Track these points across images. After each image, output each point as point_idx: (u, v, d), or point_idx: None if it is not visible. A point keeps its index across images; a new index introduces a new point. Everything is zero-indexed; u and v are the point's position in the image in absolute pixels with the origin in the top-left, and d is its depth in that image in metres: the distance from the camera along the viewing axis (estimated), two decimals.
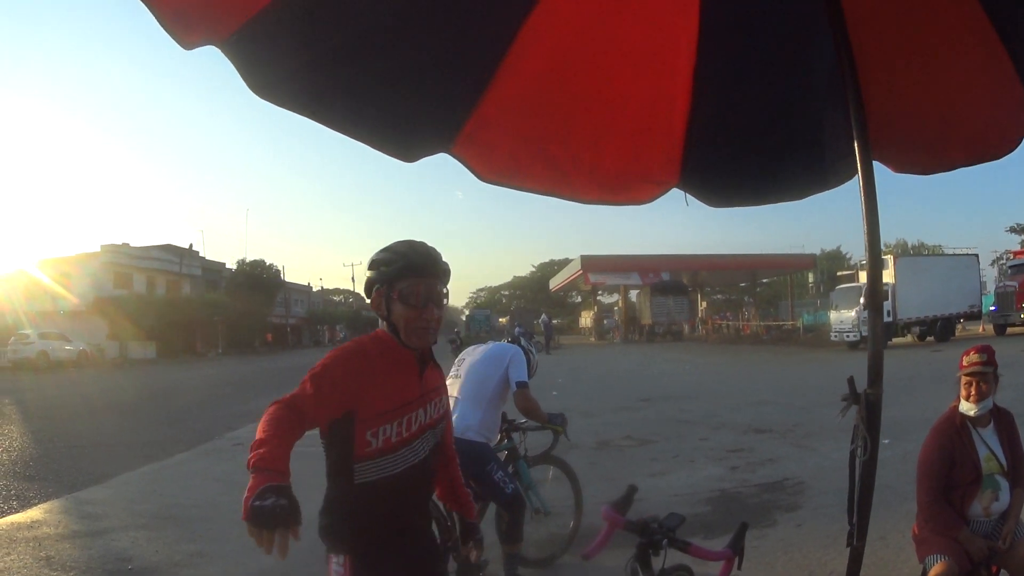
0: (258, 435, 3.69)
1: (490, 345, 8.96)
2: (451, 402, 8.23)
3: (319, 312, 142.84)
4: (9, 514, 12.88)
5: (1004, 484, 6.32)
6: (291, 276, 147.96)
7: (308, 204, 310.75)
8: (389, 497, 4.28)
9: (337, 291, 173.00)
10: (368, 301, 4.36)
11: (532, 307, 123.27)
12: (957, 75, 4.50)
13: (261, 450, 3.57)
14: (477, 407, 8.37)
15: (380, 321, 4.33)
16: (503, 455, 9.09)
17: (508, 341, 9.04)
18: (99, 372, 55.38)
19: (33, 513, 12.93)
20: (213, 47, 3.20)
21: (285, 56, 3.46)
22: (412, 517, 4.51)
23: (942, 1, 4.15)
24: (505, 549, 8.45)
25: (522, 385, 8.53)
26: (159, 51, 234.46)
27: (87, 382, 45.16)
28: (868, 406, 4.12)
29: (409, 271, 4.17)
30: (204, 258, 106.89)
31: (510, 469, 9.07)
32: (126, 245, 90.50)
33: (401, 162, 4.26)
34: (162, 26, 2.90)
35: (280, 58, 3.44)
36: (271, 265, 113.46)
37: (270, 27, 3.26)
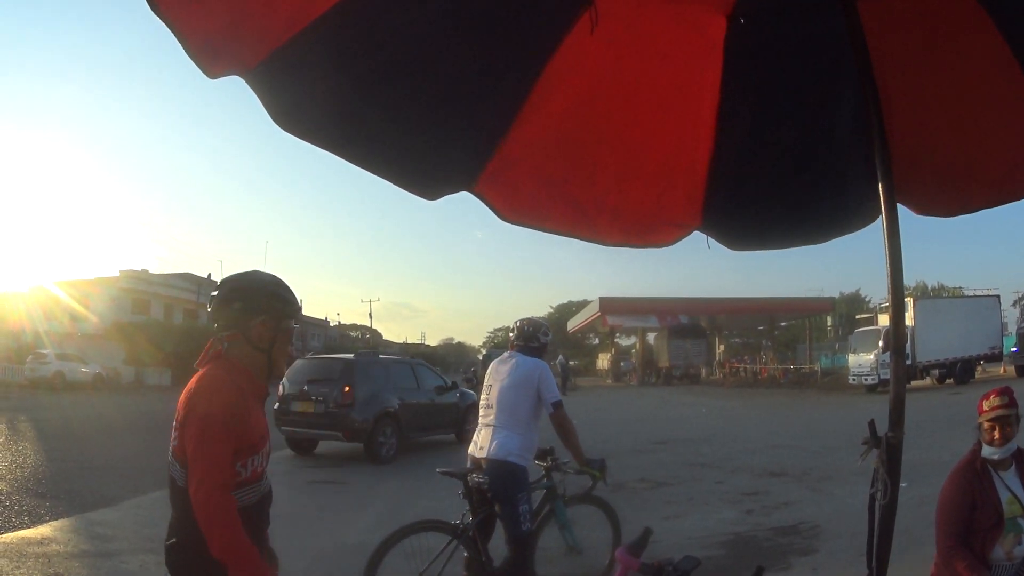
0: (236, 545, 3.90)
1: (513, 365, 8.81)
2: (488, 431, 8.26)
3: (335, 346, 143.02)
4: (20, 529, 12.94)
5: None
6: (308, 310, 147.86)
7: (327, 239, 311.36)
8: (250, 525, 4.15)
9: (354, 326, 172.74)
10: (218, 325, 4.39)
11: (550, 348, 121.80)
12: (984, 115, 4.47)
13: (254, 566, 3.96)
14: (515, 432, 8.40)
15: (223, 344, 4.38)
16: (542, 493, 9.12)
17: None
18: (114, 395, 55.56)
19: (43, 530, 12.99)
20: (238, 77, 3.18)
21: (309, 89, 3.45)
22: (260, 547, 4.30)
23: (969, 40, 4.12)
24: None
25: (557, 405, 8.53)
26: (183, 83, 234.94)
27: (102, 404, 45.42)
28: (889, 449, 4.05)
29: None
30: None
31: (547, 508, 9.14)
32: (145, 271, 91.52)
33: (423, 200, 4.20)
34: (188, 54, 2.89)
35: (304, 91, 3.44)
36: None
37: (296, 58, 3.26)
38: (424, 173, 4.11)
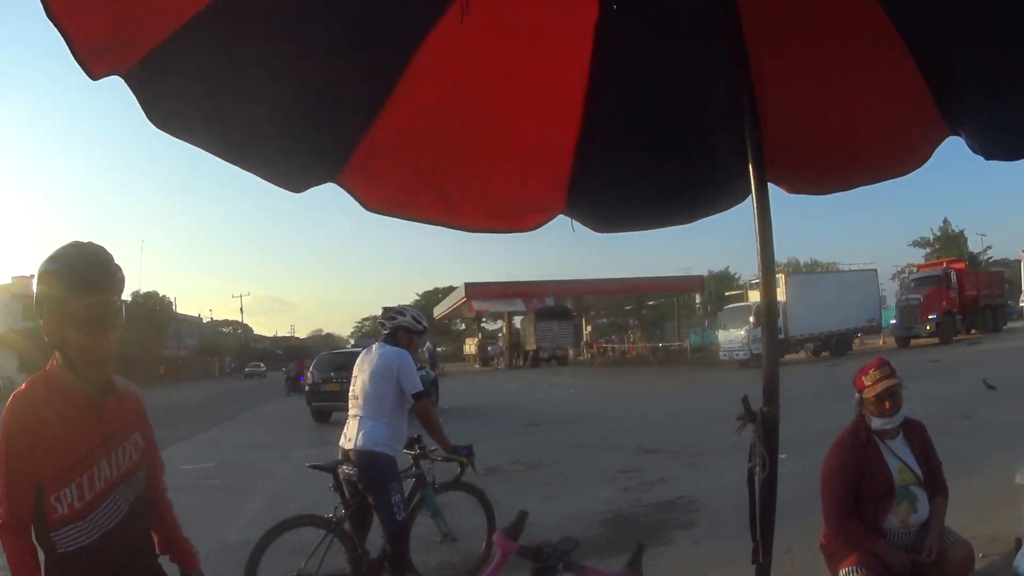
0: None
1: (376, 355, 8.81)
2: (355, 422, 8.24)
3: (209, 344, 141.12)
4: None
5: (921, 495, 6.36)
6: (183, 308, 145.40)
7: (199, 234, 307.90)
8: (94, 569, 3.68)
9: (226, 322, 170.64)
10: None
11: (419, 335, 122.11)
12: (864, 94, 4.57)
13: None
14: (381, 422, 8.39)
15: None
16: (411, 482, 9.06)
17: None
18: None
19: None
20: (117, 77, 3.12)
21: (183, 86, 3.38)
22: None
23: (850, 20, 4.18)
24: None
25: (418, 396, 8.51)
26: (64, 87, 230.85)
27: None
28: (765, 424, 4.12)
29: (81, 286, 3.62)
30: None
31: (417, 497, 9.11)
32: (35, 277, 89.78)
33: (290, 192, 4.10)
34: (73, 55, 2.84)
35: (177, 88, 3.36)
36: (164, 296, 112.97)
37: (170, 58, 3.20)
38: (289, 166, 4.03)
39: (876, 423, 6.37)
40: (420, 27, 3.95)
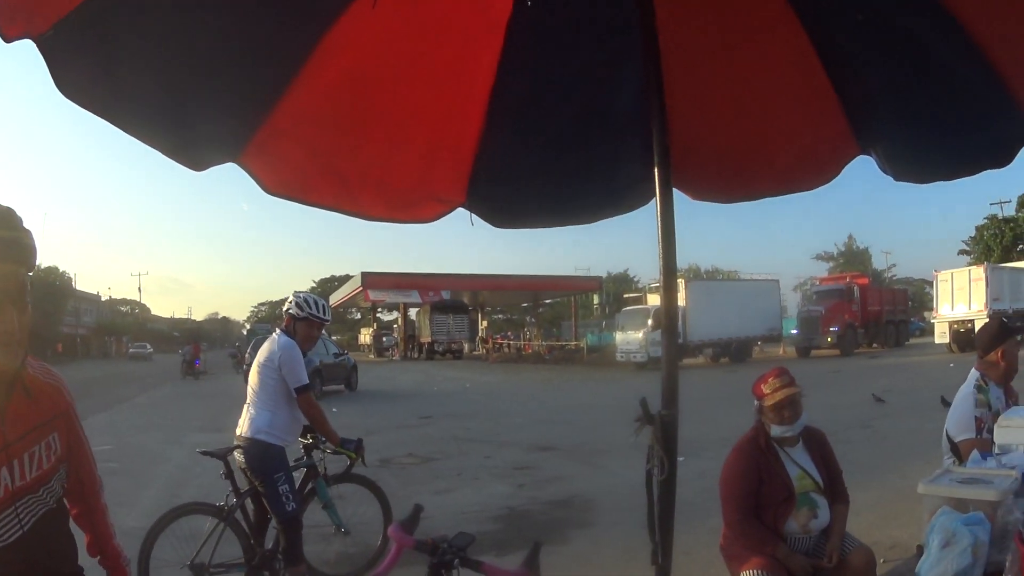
0: None
1: (268, 344, 8.74)
2: (245, 410, 8.16)
3: (107, 323, 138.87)
4: None
5: (822, 502, 6.44)
6: (82, 284, 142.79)
7: (101, 210, 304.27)
8: None
9: (124, 301, 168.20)
10: None
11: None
12: (776, 106, 4.71)
13: None
14: (265, 409, 8.31)
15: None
16: (301, 472, 8.96)
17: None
18: None
19: None
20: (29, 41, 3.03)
21: (90, 56, 3.29)
22: None
23: (767, 32, 4.28)
24: (289, 572, 8.35)
25: (300, 391, 8.40)
26: None
27: None
28: (663, 427, 4.15)
29: None
30: None
31: (308, 487, 9.03)
32: None
33: (191, 170, 3.99)
34: None
35: (88, 57, 3.28)
36: (64, 272, 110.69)
37: (80, 25, 3.11)
38: (191, 142, 3.92)
39: (775, 430, 6.44)
40: (331, 10, 3.90)
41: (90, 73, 3.31)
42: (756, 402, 6.57)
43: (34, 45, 3.02)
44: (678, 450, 4.16)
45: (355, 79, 4.25)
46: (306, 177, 4.49)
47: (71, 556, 3.60)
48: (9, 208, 3.06)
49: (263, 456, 8.19)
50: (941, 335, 53.32)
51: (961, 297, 52.75)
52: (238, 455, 8.42)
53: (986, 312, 47.47)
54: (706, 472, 7.98)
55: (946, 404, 21.35)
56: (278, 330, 8.84)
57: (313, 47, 3.96)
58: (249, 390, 8.58)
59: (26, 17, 2.94)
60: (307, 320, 8.75)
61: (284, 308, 8.89)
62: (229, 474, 8.53)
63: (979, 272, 52.86)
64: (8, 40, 2.89)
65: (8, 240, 2.99)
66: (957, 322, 51.36)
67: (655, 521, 4.25)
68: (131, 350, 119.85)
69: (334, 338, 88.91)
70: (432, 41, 4.26)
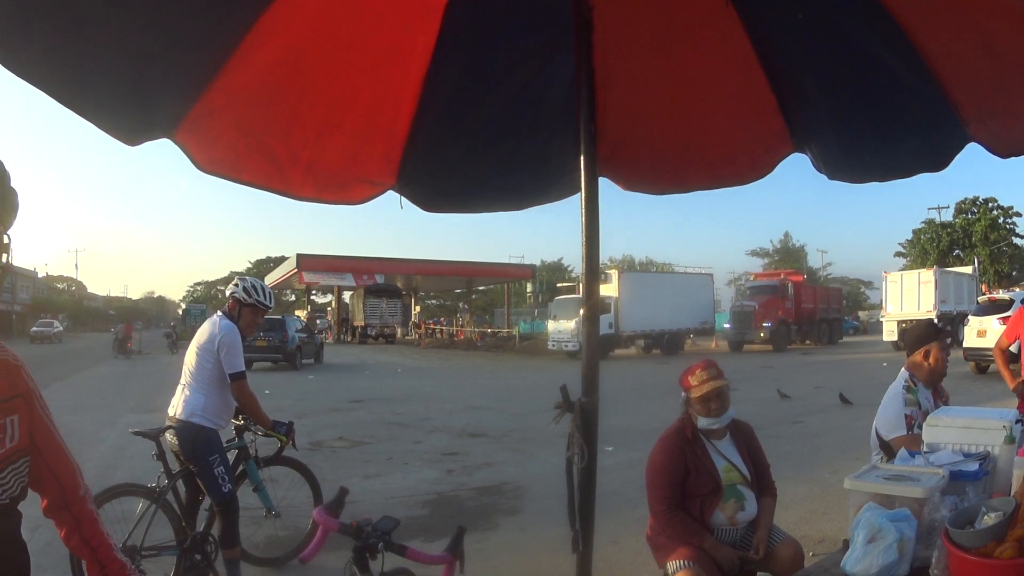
0: None
1: (209, 326, 8.63)
2: (179, 390, 8.14)
3: (43, 300, 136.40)
4: None
5: (749, 494, 6.53)
6: (18, 261, 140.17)
7: (37, 184, 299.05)
8: None
9: (61, 278, 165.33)
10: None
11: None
12: (710, 102, 4.74)
13: None
14: (200, 392, 8.22)
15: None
16: (233, 454, 8.91)
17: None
18: None
19: None
20: None
21: (24, 24, 3.23)
22: None
23: (704, 26, 4.30)
24: (224, 555, 8.27)
25: (236, 377, 8.35)
26: None
27: None
28: (583, 415, 4.22)
29: None
30: None
31: (240, 468, 9.01)
32: None
33: (125, 145, 3.95)
34: None
35: (19, 25, 3.22)
36: None
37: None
38: (126, 117, 3.89)
39: (702, 422, 6.50)
40: None
41: (25, 41, 3.29)
42: (683, 394, 6.64)
43: None
44: (607, 440, 4.23)
45: (290, 59, 4.24)
46: (238, 156, 4.49)
47: (18, 567, 3.20)
48: None
49: (196, 438, 8.13)
50: (889, 333, 54.27)
51: (910, 298, 54.34)
52: (170, 436, 8.34)
53: (935, 312, 48.74)
54: (635, 462, 8.06)
55: (845, 401, 21.70)
56: (220, 313, 8.76)
57: (250, 26, 3.94)
58: (185, 371, 8.48)
59: None
60: (253, 306, 8.70)
61: (229, 292, 8.78)
62: (161, 455, 8.40)
63: (928, 275, 54.60)
64: None
65: None
66: (905, 321, 52.08)
67: (575, 509, 4.33)
68: (32, 329, 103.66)
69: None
70: (368, 24, 4.27)
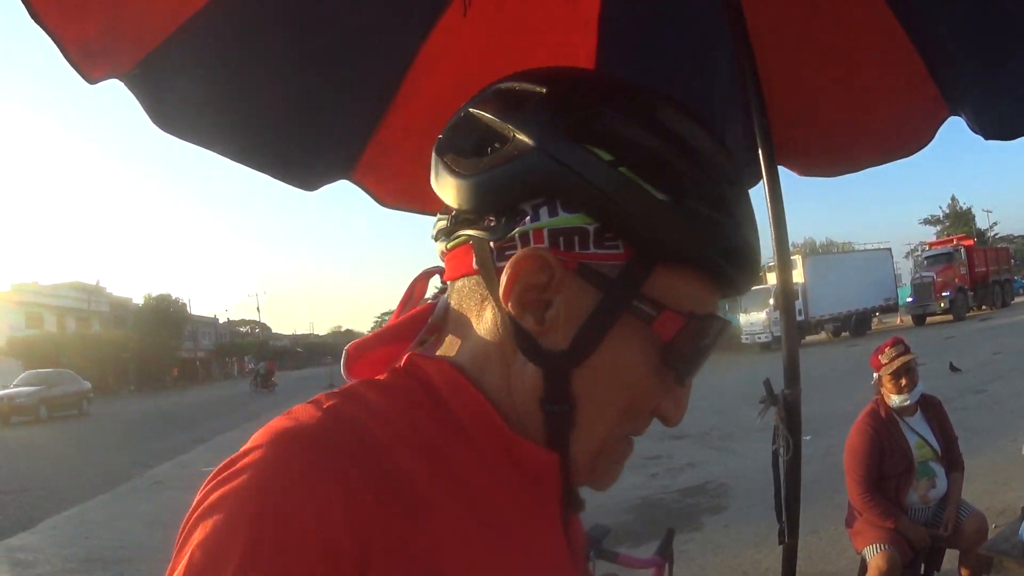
0: None
1: None
2: None
3: (226, 344, 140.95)
4: None
5: (940, 470, 6.46)
6: (197, 309, 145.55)
7: (213, 233, 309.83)
8: None
9: (243, 322, 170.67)
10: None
11: None
12: (865, 77, 4.55)
13: None
14: None
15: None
16: None
17: None
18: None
19: None
20: (116, 80, 3.08)
21: (185, 88, 3.35)
22: None
23: (847, 5, 4.18)
24: None
25: None
26: (64, 87, 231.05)
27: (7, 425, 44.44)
28: (787, 407, 4.14)
29: None
30: (111, 294, 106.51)
31: None
32: (35, 284, 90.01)
33: (304, 191, 4.16)
34: (68, 60, 2.78)
35: (181, 90, 3.33)
36: (177, 299, 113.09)
37: (172, 59, 3.17)
38: (302, 165, 4.07)
39: (894, 400, 6.46)
40: (423, 24, 3.96)
41: (187, 105, 3.41)
42: (875, 374, 6.61)
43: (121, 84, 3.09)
44: (804, 429, 4.20)
45: (454, 88, 4.09)
46: (418, 187, 4.38)
47: None
48: None
49: None
50: None
51: None
52: None
53: None
54: (832, 449, 8.00)
55: (955, 370, 20.90)
56: None
57: (410, 63, 4.04)
58: None
59: (112, 57, 3.00)
60: None
61: None
62: None
63: None
64: (93, 82, 2.95)
65: None
66: None
67: (781, 501, 4.27)
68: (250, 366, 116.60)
69: None
70: (526, 41, 4.27)
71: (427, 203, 4.57)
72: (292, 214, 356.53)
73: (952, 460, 6.60)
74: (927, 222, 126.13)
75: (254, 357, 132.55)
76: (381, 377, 1.40)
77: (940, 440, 6.57)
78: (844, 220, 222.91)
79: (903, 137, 4.80)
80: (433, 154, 1.55)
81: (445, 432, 1.31)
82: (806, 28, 4.35)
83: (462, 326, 1.43)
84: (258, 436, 1.23)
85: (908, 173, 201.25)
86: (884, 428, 6.52)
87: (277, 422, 1.25)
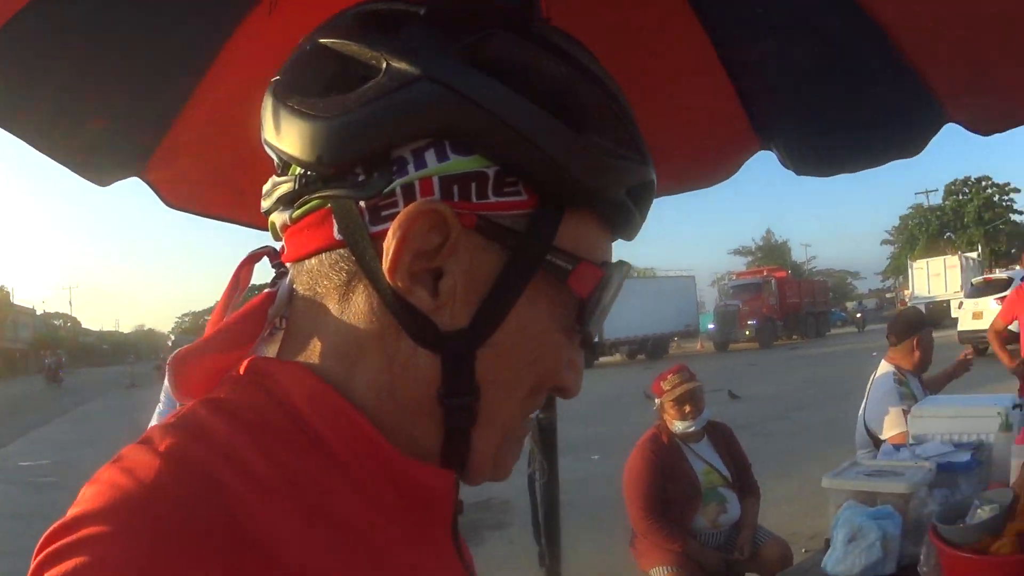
0: None
1: None
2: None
3: (42, 337, 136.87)
4: None
5: (731, 496, 6.57)
6: (17, 298, 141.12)
7: (30, 220, 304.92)
8: None
9: (57, 315, 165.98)
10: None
11: None
12: (673, 98, 4.48)
13: None
14: None
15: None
16: None
17: None
18: None
19: None
20: None
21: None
22: None
23: (665, 33, 4.12)
24: None
25: None
26: None
27: None
28: (542, 431, 4.16)
29: None
30: None
31: None
32: None
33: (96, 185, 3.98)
34: None
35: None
36: (2, 286, 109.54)
37: None
38: (94, 158, 3.88)
39: (678, 426, 6.58)
40: (228, 22, 3.81)
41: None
42: (656, 400, 6.65)
43: None
44: (593, 449, 4.17)
45: (253, 89, 4.10)
46: (204, 190, 4.47)
47: None
48: None
49: None
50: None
51: (937, 282, 58.34)
52: None
53: (962, 293, 48.58)
54: (621, 470, 8.09)
55: (734, 397, 21.74)
56: None
57: (212, 61, 3.90)
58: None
59: None
60: None
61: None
62: None
63: (953, 260, 59.43)
64: None
65: None
66: (933, 303, 54.69)
67: (539, 525, 4.31)
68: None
69: None
70: None
71: (208, 206, 4.52)
72: (102, 206, 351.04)
73: (745, 486, 6.73)
74: (737, 252, 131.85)
75: (65, 352, 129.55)
76: (221, 394, 1.13)
77: (730, 466, 6.67)
78: (648, 247, 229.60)
79: (703, 168, 4.80)
80: (268, 100, 1.31)
81: (312, 465, 1.07)
82: (618, 42, 4.25)
83: (317, 317, 1.18)
84: (92, 498, 0.94)
85: (721, 203, 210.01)
86: (666, 454, 6.65)
87: (111, 477, 0.97)
